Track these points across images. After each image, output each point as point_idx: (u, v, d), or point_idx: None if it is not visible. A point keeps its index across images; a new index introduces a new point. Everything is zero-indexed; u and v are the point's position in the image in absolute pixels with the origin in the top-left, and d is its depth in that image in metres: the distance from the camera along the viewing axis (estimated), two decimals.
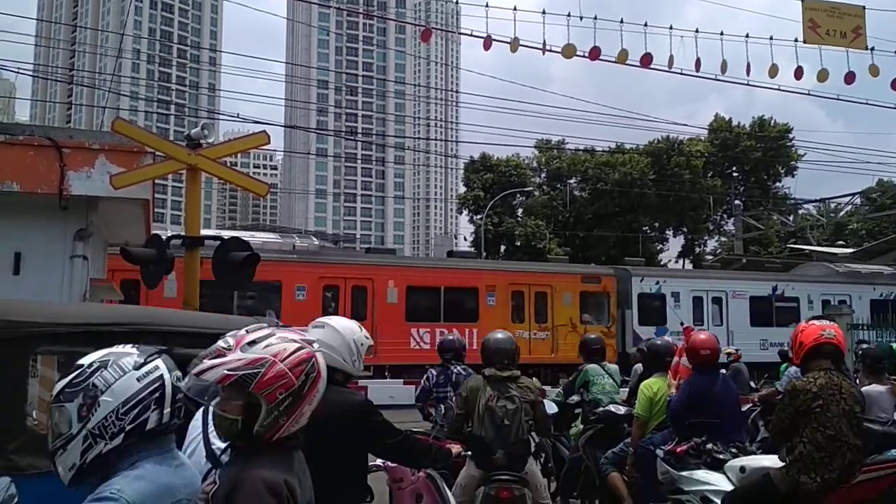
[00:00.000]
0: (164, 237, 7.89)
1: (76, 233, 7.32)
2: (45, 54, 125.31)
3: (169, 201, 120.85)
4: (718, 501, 4.81)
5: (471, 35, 12.84)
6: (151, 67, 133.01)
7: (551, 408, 7.22)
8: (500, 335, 5.67)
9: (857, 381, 7.02)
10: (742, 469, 4.83)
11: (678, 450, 5.23)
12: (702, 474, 5.06)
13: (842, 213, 40.78)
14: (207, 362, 2.26)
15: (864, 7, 12.53)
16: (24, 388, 3.83)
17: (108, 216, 8.20)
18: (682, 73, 13.16)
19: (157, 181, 8.36)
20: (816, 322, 4.60)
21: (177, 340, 4.13)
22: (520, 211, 49.99)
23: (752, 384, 12.51)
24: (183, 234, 7.84)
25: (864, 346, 9.92)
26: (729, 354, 11.73)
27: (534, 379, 7.62)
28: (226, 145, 8.65)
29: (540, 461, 8.05)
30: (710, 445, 5.19)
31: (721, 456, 5.11)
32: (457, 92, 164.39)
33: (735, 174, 51.10)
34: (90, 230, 7.46)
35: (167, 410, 2.29)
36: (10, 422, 3.70)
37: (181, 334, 4.20)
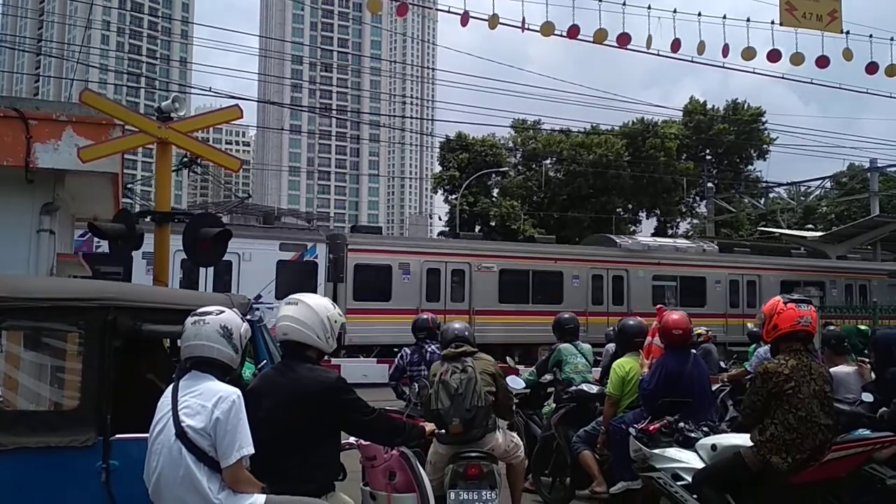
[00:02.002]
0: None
1: (43, 206, 7.15)
2: (12, 24, 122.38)
3: (139, 176, 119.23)
4: (689, 479, 4.86)
5: (448, 11, 12.73)
6: (121, 39, 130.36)
7: (518, 384, 7.26)
8: (456, 325, 6.04)
9: (823, 363, 7.12)
10: (713, 447, 4.88)
11: (651, 428, 5.27)
12: (673, 452, 5.11)
13: (812, 197, 41.26)
14: None
15: None
16: None
17: (75, 190, 8.03)
18: (658, 54, 13.17)
19: (126, 155, 8.19)
20: (794, 306, 4.58)
21: (146, 316, 4.07)
22: (495, 191, 50.00)
23: (722, 364, 12.66)
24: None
25: (831, 328, 10.06)
26: (699, 335, 11.82)
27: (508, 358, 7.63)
28: (197, 119, 8.52)
29: None
30: (682, 424, 5.24)
31: (693, 434, 5.16)
32: (433, 69, 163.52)
33: (708, 157, 51.49)
34: (57, 204, 7.29)
35: None
36: None
37: (151, 310, 4.14)
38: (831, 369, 6.41)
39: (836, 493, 5.00)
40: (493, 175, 48.47)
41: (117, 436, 3.78)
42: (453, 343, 5.65)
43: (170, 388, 3.29)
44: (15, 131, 6.79)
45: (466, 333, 5.86)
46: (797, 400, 4.35)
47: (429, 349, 7.39)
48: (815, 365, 4.54)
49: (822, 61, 12.77)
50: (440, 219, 53.25)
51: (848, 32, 12.55)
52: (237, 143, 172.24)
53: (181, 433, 3.12)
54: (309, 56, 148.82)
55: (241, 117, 8.12)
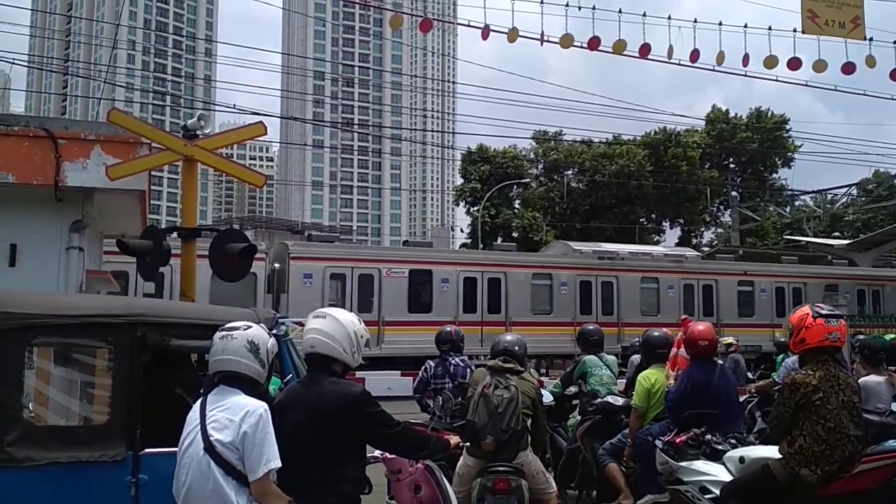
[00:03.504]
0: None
1: (72, 224, 7.28)
2: (39, 45, 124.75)
3: (165, 193, 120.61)
4: (717, 492, 4.81)
5: (468, 25, 12.78)
6: (147, 58, 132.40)
7: (546, 397, 7.22)
8: (509, 337, 5.91)
9: (854, 372, 7.02)
10: (741, 460, 4.83)
11: (677, 440, 5.23)
12: (701, 465, 5.06)
13: (838, 205, 40.78)
14: None
15: None
16: (21, 380, 3.82)
17: (103, 207, 8.16)
18: (679, 64, 13.11)
19: (152, 172, 8.31)
20: (824, 321, 4.48)
21: (175, 332, 4.12)
22: (517, 203, 49.97)
23: (750, 375, 12.52)
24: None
25: (861, 337, 9.93)
26: (728, 345, 11.73)
27: (532, 371, 7.60)
28: (222, 136, 8.59)
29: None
30: (708, 436, 5.19)
31: (720, 447, 5.11)
32: (454, 83, 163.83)
33: (732, 165, 51.15)
34: (86, 221, 7.41)
35: None
36: (7, 414, 3.69)
37: (179, 325, 4.19)
38: (861, 379, 6.33)
39: None
40: (515, 186, 48.51)
41: (147, 450, 3.82)
42: (501, 356, 5.54)
43: (198, 402, 3.33)
44: (44, 150, 6.92)
45: (516, 348, 5.68)
46: (826, 411, 4.30)
47: (452, 362, 7.38)
48: (843, 375, 4.48)
49: (847, 68, 12.65)
50: (462, 231, 53.31)
51: (871, 39, 12.44)
52: (261, 158, 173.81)
53: (209, 447, 3.15)
54: (331, 72, 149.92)
55: (266, 134, 8.19)
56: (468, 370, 7.13)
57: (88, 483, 3.77)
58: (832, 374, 4.40)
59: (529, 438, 5.40)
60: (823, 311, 4.54)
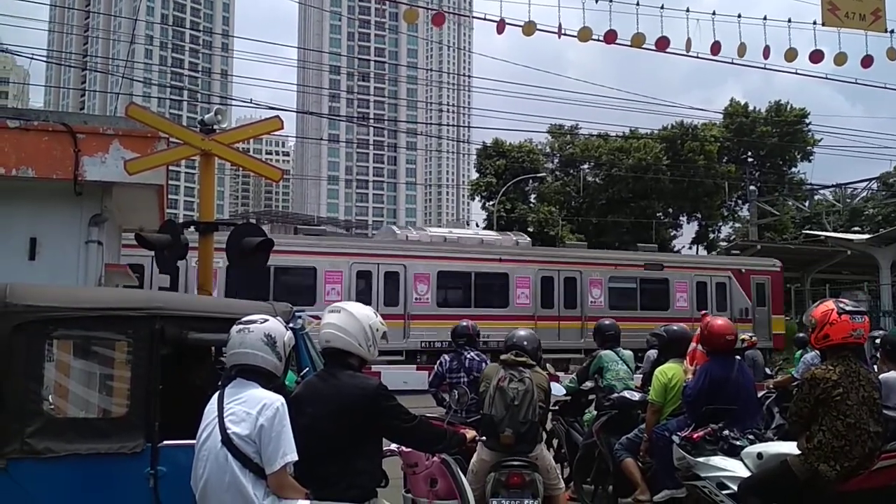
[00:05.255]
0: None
1: (91, 218, 7.34)
2: (58, 40, 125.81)
3: (182, 187, 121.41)
4: (735, 488, 4.78)
5: (484, 19, 12.74)
6: (164, 53, 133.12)
7: (558, 391, 7.21)
8: (522, 332, 6.09)
9: (875, 367, 6.94)
10: (759, 455, 4.80)
11: (695, 436, 5.20)
12: (718, 460, 5.04)
13: (858, 199, 40.33)
14: None
15: None
16: (41, 373, 3.85)
17: (122, 201, 8.22)
18: (698, 57, 13.03)
19: (170, 167, 8.36)
20: (849, 318, 4.42)
21: (193, 325, 4.15)
22: (532, 197, 49.81)
23: (768, 370, 12.43)
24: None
25: (880, 331, 9.82)
26: (744, 341, 11.63)
27: (547, 365, 7.61)
28: (239, 130, 8.62)
29: (553, 446, 8.06)
30: (726, 432, 5.16)
31: (738, 442, 5.08)
32: (469, 77, 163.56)
33: (750, 159, 50.70)
34: (105, 215, 7.47)
35: None
36: (28, 406, 3.72)
37: (197, 319, 4.21)
38: (882, 375, 6.26)
39: (886, 502, 4.87)
40: (531, 181, 48.32)
41: (165, 442, 3.85)
42: (513, 350, 5.60)
43: (215, 395, 3.35)
44: (63, 145, 6.98)
45: (525, 343, 5.81)
46: (845, 406, 4.26)
47: (468, 356, 7.36)
48: (864, 371, 4.44)
49: (867, 61, 12.54)
50: (477, 225, 53.22)
51: (892, 31, 12.32)
52: (277, 153, 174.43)
53: (227, 440, 3.17)
54: (346, 66, 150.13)
55: (282, 128, 8.21)
56: (483, 364, 7.13)
57: (107, 474, 3.80)
58: (852, 369, 4.36)
59: (542, 432, 5.42)
60: (848, 308, 4.49)
